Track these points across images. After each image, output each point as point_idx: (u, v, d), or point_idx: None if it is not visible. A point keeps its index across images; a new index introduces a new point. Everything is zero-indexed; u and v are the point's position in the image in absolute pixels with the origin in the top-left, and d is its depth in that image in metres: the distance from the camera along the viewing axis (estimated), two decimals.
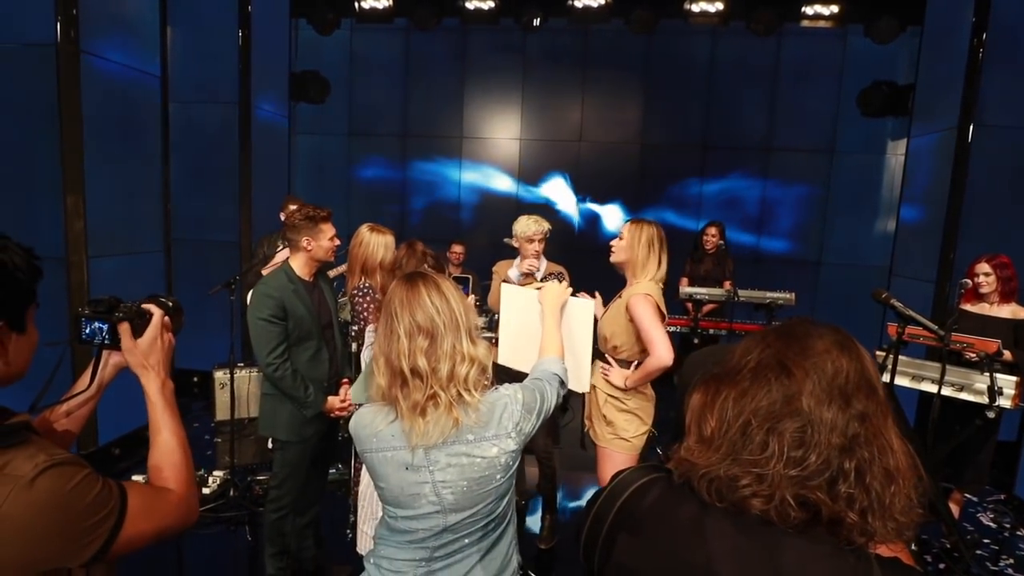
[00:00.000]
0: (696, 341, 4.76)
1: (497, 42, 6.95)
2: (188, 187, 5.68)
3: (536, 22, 6.11)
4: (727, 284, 5.19)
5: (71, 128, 3.90)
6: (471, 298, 3.56)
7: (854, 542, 0.80)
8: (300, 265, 2.82)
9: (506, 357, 2.22)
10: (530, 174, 7.19)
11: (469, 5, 6.05)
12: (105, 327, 1.19)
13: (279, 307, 2.68)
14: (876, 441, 0.82)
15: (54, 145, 3.87)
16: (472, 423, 1.34)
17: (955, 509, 3.87)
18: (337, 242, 2.84)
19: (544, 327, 1.83)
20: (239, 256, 5.62)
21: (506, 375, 2.02)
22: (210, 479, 3.82)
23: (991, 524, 3.99)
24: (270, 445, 3.97)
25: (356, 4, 6.21)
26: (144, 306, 1.23)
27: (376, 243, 3.03)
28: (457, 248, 5.70)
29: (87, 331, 1.20)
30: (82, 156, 3.97)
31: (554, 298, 1.93)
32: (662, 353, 2.50)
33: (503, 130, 7.18)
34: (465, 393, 1.34)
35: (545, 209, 7.16)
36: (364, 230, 3.07)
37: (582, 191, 7.11)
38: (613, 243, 2.77)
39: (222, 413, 4.87)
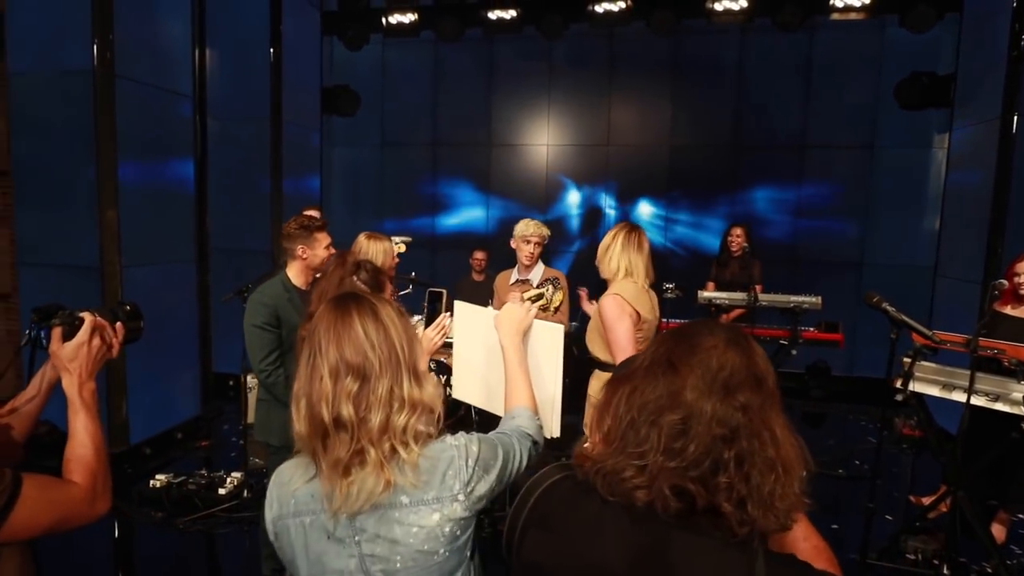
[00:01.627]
0: None
1: (522, 50, 6.89)
2: (226, 199, 5.86)
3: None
4: (751, 289, 4.92)
5: (107, 147, 4.08)
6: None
7: (737, 533, 0.82)
8: (296, 274, 2.84)
9: (461, 391, 1.83)
10: (559, 178, 7.08)
11: (492, 15, 6.01)
12: (44, 332, 1.29)
13: (272, 315, 2.70)
14: (759, 433, 0.84)
15: (91, 163, 4.05)
16: (408, 484, 1.07)
17: (1001, 530, 3.52)
18: (333, 251, 2.85)
19: (507, 366, 1.46)
20: (271, 265, 5.75)
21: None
22: (228, 480, 3.88)
23: None
24: None
25: (383, 20, 6.28)
26: (81, 314, 1.31)
27: (374, 250, 3.02)
28: (479, 255, 5.66)
29: (31, 336, 1.31)
30: (116, 173, 4.15)
31: (513, 324, 1.49)
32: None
33: (531, 136, 7.11)
34: (402, 447, 1.08)
35: (572, 214, 7.03)
36: (361, 238, 3.08)
37: (610, 194, 6.94)
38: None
39: (251, 416, 4.97)
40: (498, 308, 3.28)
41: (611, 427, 0.90)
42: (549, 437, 1.52)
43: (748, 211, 6.55)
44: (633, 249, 2.60)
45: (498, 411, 1.58)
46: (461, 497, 1.10)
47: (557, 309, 3.28)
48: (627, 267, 2.60)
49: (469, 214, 7.40)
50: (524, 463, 1.24)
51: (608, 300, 2.53)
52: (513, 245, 3.33)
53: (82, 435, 1.24)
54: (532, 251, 3.24)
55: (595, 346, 2.64)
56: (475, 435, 1.17)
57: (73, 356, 1.27)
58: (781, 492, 0.82)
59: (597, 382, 2.68)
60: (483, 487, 1.13)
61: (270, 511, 1.16)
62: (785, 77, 6.33)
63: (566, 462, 0.99)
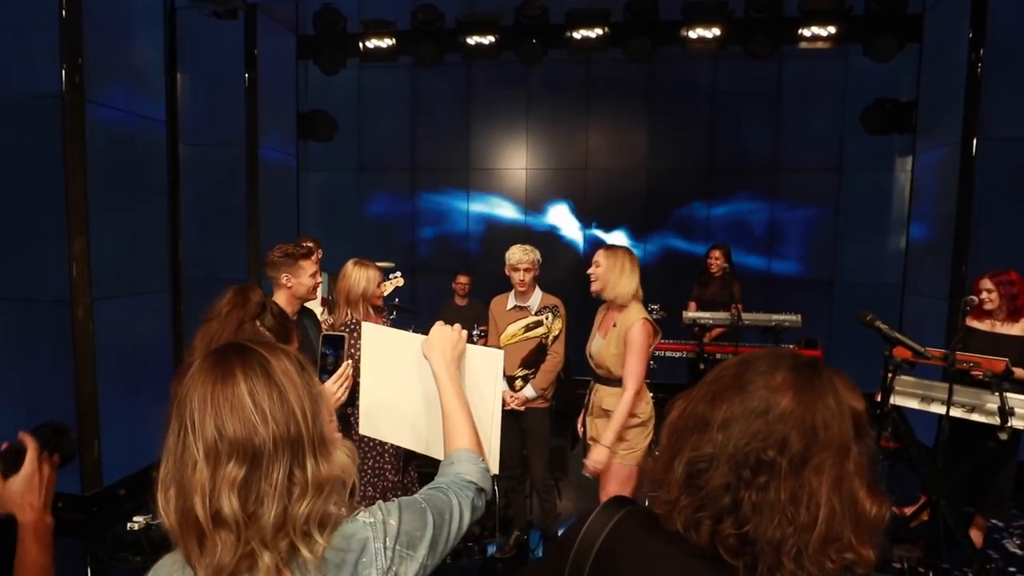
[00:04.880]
0: (702, 367, 4.69)
1: (500, 75, 7.06)
2: (200, 227, 5.82)
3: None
4: (733, 308, 5.13)
5: (75, 175, 4.01)
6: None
7: None
8: (283, 304, 2.84)
9: (368, 425, 1.61)
10: (537, 203, 7.24)
11: (470, 41, 6.19)
12: None
13: None
14: (786, 486, 0.79)
15: (59, 191, 3.97)
16: None
17: (978, 535, 3.72)
18: (319, 280, 2.88)
19: (443, 400, 1.27)
20: None
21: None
22: None
23: (1017, 551, 3.81)
24: None
25: (360, 44, 6.39)
26: (22, 436, 1.15)
27: (358, 276, 3.01)
28: (462, 279, 5.72)
29: None
30: (86, 202, 4.07)
31: (447, 350, 1.31)
32: (629, 395, 2.71)
33: (509, 160, 7.26)
34: (304, 543, 0.87)
35: (551, 237, 7.18)
36: (349, 264, 3.09)
37: (589, 218, 7.13)
38: (591, 272, 2.87)
39: None
40: (496, 335, 3.40)
41: (663, 447, 0.91)
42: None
43: (723, 232, 6.81)
44: (637, 271, 2.82)
45: (412, 446, 1.49)
46: None
47: (556, 338, 3.34)
48: (635, 290, 2.80)
49: (449, 238, 7.48)
50: (467, 519, 1.07)
51: (639, 327, 2.74)
52: (507, 273, 3.37)
53: (32, 571, 1.11)
54: (523, 278, 3.28)
55: (615, 367, 2.84)
56: (395, 504, 0.99)
57: (26, 491, 1.11)
58: (799, 550, 0.78)
59: (614, 398, 2.87)
60: (411, 568, 0.95)
61: None
62: (756, 103, 6.66)
63: (620, 499, 0.99)
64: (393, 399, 1.51)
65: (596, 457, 2.75)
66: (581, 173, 7.12)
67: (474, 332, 4.49)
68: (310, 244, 4.60)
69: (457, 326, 1.37)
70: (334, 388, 1.63)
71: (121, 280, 4.43)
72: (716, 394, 0.87)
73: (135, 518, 3.84)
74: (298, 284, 2.80)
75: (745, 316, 4.55)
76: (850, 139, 6.38)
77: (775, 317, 4.53)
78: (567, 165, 7.14)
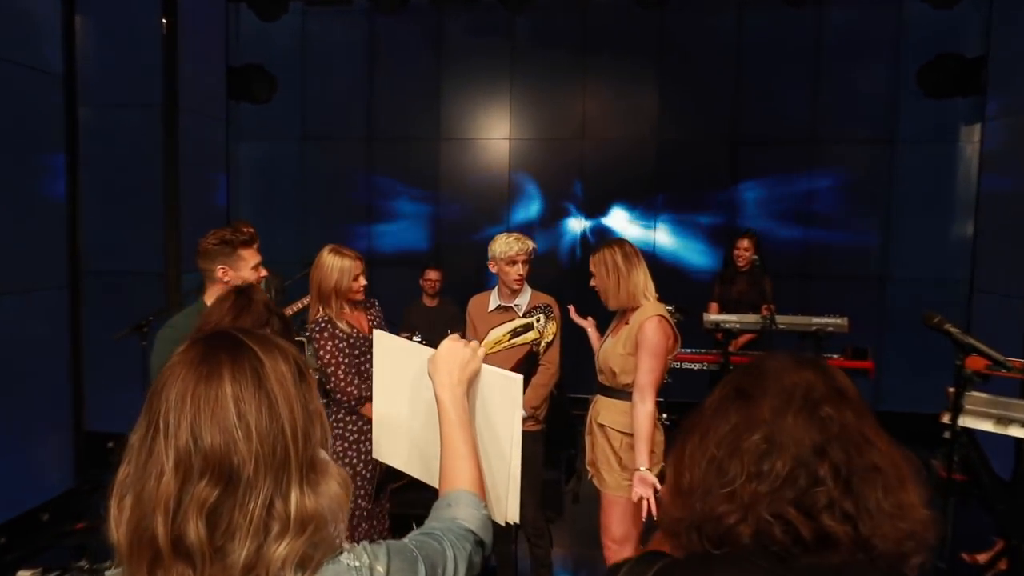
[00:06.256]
0: None
1: (478, 24, 7.02)
2: (102, 209, 5.67)
3: None
4: (765, 309, 5.06)
5: None
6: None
7: (853, 562, 0.86)
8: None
9: (384, 452, 1.66)
10: (523, 180, 7.18)
11: None
12: None
13: None
14: (853, 440, 0.90)
15: None
16: None
17: None
18: (262, 272, 2.87)
19: (443, 428, 1.26)
20: (165, 289, 5.56)
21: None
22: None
23: None
24: None
25: None
26: None
27: (331, 266, 3.07)
28: (432, 274, 5.71)
29: None
30: None
31: (455, 370, 1.30)
32: (649, 407, 2.75)
33: (489, 129, 7.22)
34: None
35: (540, 222, 7.11)
36: (324, 252, 3.14)
37: (585, 198, 7.08)
38: (592, 283, 2.98)
39: None
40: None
41: (691, 479, 0.96)
42: (504, 524, 1.38)
43: (749, 217, 6.79)
44: (636, 265, 2.86)
45: (423, 476, 1.53)
46: None
47: (549, 344, 3.32)
48: (643, 288, 2.84)
49: (414, 224, 7.42)
50: (463, 573, 1.09)
51: (655, 324, 2.78)
52: (493, 269, 3.32)
53: None
54: (521, 272, 3.25)
55: (629, 375, 2.84)
56: (383, 547, 1.00)
57: None
58: (895, 503, 0.88)
59: (619, 414, 2.87)
60: None
61: None
62: (791, 60, 6.63)
63: (647, 553, 1.02)
64: (403, 421, 1.56)
65: (639, 482, 2.71)
66: (577, 144, 7.08)
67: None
68: (251, 230, 4.55)
69: (474, 343, 1.35)
70: None
71: (6, 273, 4.31)
72: (740, 392, 0.97)
73: (20, 572, 3.71)
74: (236, 277, 2.76)
75: (779, 319, 4.50)
76: (905, 103, 6.37)
77: (816, 320, 4.50)
78: (560, 135, 7.10)
